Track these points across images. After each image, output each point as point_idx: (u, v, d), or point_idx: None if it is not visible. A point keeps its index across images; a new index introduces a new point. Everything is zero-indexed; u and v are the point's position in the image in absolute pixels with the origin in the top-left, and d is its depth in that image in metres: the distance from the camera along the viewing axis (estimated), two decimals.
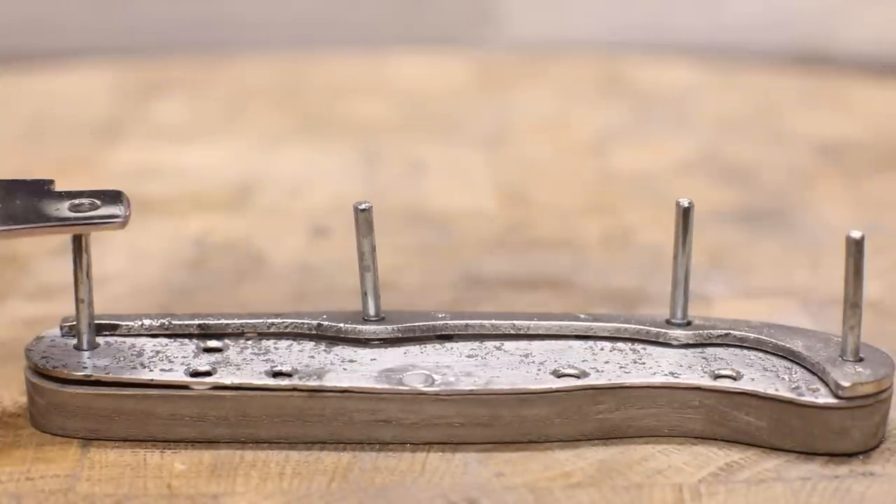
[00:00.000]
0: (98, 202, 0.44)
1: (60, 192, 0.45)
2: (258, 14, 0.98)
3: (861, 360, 0.44)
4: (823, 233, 0.62)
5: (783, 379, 0.45)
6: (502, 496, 0.42)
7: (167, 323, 0.47)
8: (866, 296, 0.45)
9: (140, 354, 0.46)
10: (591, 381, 0.45)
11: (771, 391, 0.44)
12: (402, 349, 0.47)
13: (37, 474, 0.43)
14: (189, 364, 0.45)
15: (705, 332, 0.47)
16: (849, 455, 0.44)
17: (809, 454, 0.44)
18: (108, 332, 0.47)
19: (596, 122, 0.79)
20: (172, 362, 0.45)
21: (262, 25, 0.98)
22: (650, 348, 0.47)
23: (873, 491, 0.42)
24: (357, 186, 0.69)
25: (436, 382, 0.45)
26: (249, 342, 0.47)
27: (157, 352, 0.46)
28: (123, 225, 0.44)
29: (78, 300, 0.46)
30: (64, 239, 0.61)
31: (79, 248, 0.45)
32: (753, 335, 0.47)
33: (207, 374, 0.45)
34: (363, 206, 0.46)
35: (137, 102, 0.83)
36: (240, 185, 0.69)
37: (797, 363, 0.46)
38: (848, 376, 0.44)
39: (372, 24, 0.99)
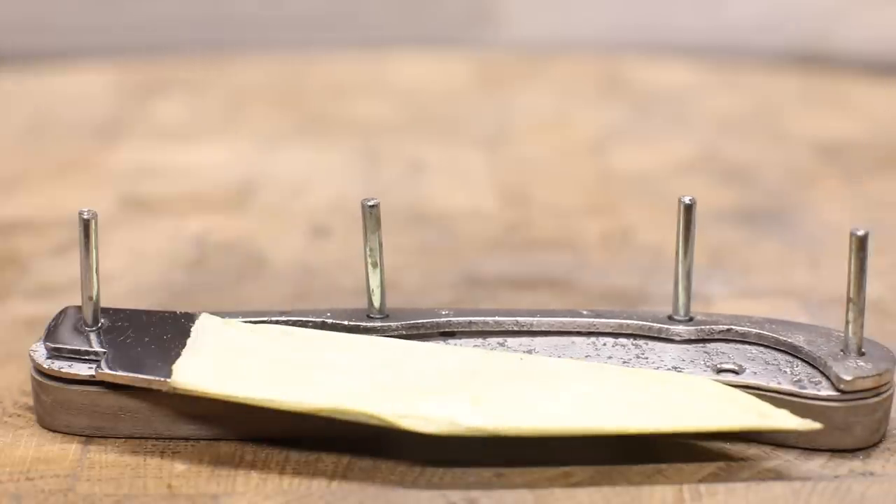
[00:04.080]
0: None
1: None
2: (258, 14, 0.98)
3: (863, 354, 0.45)
4: (823, 233, 0.62)
5: (785, 372, 0.45)
6: (502, 496, 0.42)
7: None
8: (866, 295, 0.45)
9: None
10: None
11: (773, 384, 0.44)
12: None
13: (37, 474, 0.43)
14: None
15: (707, 327, 0.47)
16: (850, 451, 0.44)
17: (810, 451, 0.44)
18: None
19: (596, 122, 0.79)
20: None
21: (261, 25, 0.98)
22: (652, 343, 0.47)
23: (873, 491, 0.42)
24: (357, 186, 0.69)
25: None
26: None
27: None
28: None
29: (85, 297, 0.46)
30: (64, 239, 0.61)
31: (87, 243, 0.45)
32: (755, 330, 0.47)
33: None
34: (371, 203, 0.46)
35: (138, 102, 0.83)
36: (240, 185, 0.69)
37: (799, 357, 0.46)
38: (849, 370, 0.44)
39: (372, 24, 0.99)
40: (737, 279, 0.58)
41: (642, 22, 0.98)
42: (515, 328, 0.48)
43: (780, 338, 0.46)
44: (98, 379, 0.44)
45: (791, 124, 0.79)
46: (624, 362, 0.46)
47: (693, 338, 0.47)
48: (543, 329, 0.48)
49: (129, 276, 0.58)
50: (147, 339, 0.46)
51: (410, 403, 0.42)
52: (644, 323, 0.47)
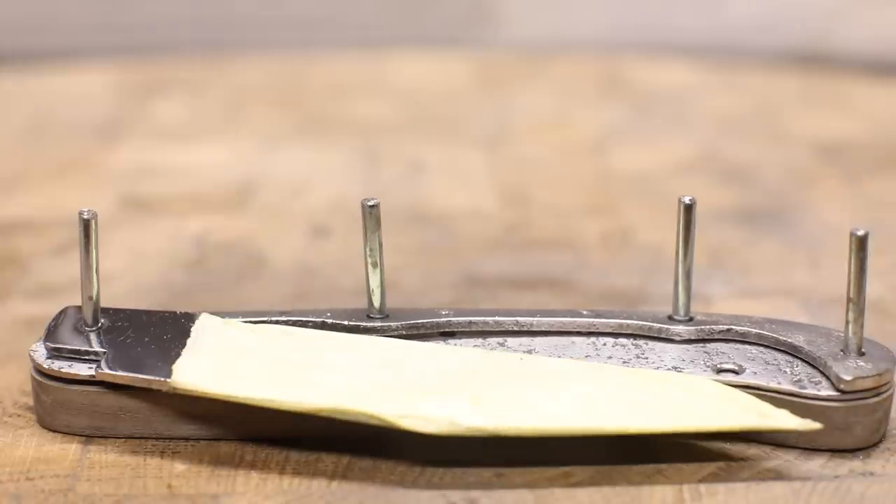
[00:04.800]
0: None
1: None
2: (258, 14, 0.98)
3: (863, 354, 0.45)
4: (823, 233, 0.62)
5: (785, 372, 0.45)
6: (502, 496, 0.42)
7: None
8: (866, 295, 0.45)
9: None
10: None
11: (773, 384, 0.44)
12: None
13: (37, 474, 0.43)
14: None
15: (707, 327, 0.47)
16: (850, 451, 0.44)
17: (810, 451, 0.44)
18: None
19: (596, 122, 0.79)
20: None
21: (262, 25, 0.98)
22: (652, 343, 0.47)
23: (873, 491, 0.42)
24: (357, 186, 0.69)
25: None
26: None
27: None
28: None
29: (85, 297, 0.46)
30: (64, 239, 0.61)
31: (87, 243, 0.45)
32: (755, 330, 0.47)
33: None
34: (371, 203, 0.46)
35: (138, 102, 0.83)
36: (240, 185, 0.69)
37: (798, 357, 0.46)
38: (849, 370, 0.44)
39: (372, 24, 0.99)
40: (737, 279, 0.58)
41: (642, 22, 0.98)
42: (515, 328, 0.48)
43: (780, 338, 0.46)
44: (98, 379, 0.44)
45: (791, 124, 0.79)
46: (624, 362, 0.46)
47: (693, 338, 0.47)
48: (543, 329, 0.48)
49: (129, 276, 0.58)
50: (147, 339, 0.46)
51: (410, 403, 0.42)
52: (644, 323, 0.47)
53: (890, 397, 0.44)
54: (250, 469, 0.43)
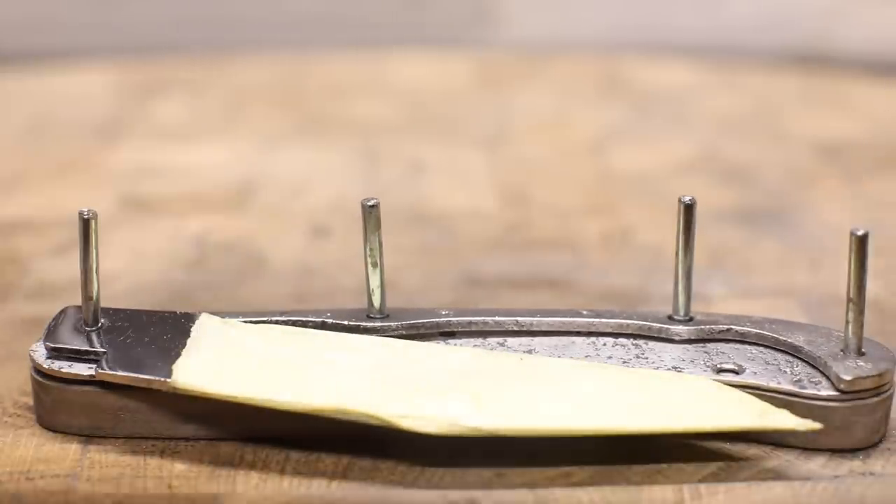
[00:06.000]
0: None
1: None
2: (258, 14, 0.98)
3: (863, 354, 0.45)
4: (823, 233, 0.62)
5: (785, 372, 0.45)
6: (502, 496, 0.42)
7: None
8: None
9: None
10: None
11: (773, 384, 0.44)
12: None
13: (37, 474, 0.43)
14: None
15: (707, 327, 0.47)
16: (850, 451, 0.44)
17: (810, 451, 0.44)
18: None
19: (596, 122, 0.79)
20: None
21: (262, 25, 0.98)
22: (652, 343, 0.47)
23: (873, 491, 0.42)
24: (357, 186, 0.69)
25: None
26: None
27: None
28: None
29: (85, 297, 0.46)
30: (64, 239, 0.61)
31: (87, 243, 0.45)
32: (755, 330, 0.47)
33: None
34: (371, 203, 0.46)
35: (138, 102, 0.83)
36: (240, 185, 0.69)
37: (798, 357, 0.46)
38: (849, 370, 0.44)
39: (372, 24, 0.99)
40: (737, 279, 0.58)
41: (642, 22, 0.98)
42: (515, 328, 0.48)
43: (780, 338, 0.46)
44: (98, 379, 0.44)
45: (791, 124, 0.79)
46: (624, 362, 0.46)
47: (693, 338, 0.47)
48: (543, 329, 0.48)
49: (129, 276, 0.58)
50: (147, 339, 0.46)
51: (410, 403, 0.42)
52: (644, 323, 0.47)
53: (890, 397, 0.44)
54: (250, 469, 0.43)
